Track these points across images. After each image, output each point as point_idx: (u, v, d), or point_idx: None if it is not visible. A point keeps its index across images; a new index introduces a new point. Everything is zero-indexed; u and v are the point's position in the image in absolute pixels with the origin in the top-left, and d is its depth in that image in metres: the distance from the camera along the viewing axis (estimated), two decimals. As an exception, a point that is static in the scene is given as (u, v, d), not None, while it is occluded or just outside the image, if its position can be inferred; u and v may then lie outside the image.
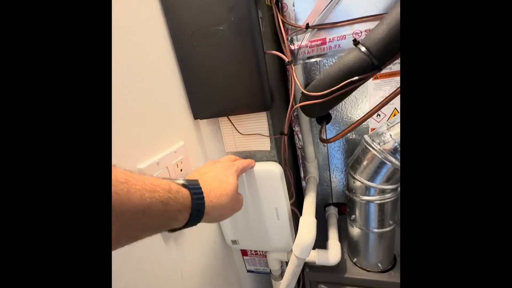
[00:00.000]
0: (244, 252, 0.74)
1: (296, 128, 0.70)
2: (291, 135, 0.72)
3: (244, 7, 0.41)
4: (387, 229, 0.55)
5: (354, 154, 0.55)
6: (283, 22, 0.55)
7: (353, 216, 0.58)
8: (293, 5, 0.58)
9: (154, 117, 0.45)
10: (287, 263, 0.61)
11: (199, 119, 0.56)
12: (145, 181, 0.24)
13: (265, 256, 0.69)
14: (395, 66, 0.58)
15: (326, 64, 0.63)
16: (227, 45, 0.45)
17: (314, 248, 0.60)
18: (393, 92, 0.44)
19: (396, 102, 0.61)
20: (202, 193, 0.31)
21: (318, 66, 0.63)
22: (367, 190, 0.53)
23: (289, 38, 0.59)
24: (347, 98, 0.64)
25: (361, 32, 0.55)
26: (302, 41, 0.59)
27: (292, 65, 0.48)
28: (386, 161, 0.48)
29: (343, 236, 0.69)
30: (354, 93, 0.63)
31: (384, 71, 0.59)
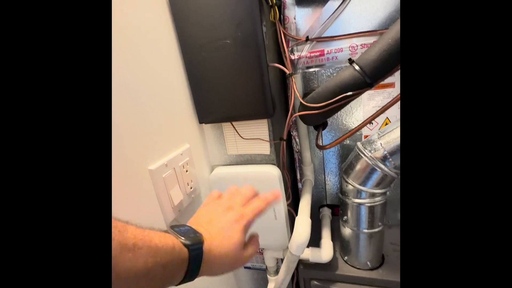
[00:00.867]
0: (241, 249, 0.77)
1: (294, 133, 0.74)
2: (289, 139, 0.76)
3: (250, 24, 0.44)
4: (376, 229, 0.59)
5: (347, 160, 0.59)
6: (285, 35, 0.58)
7: (345, 217, 0.62)
8: (294, 18, 0.62)
9: (162, 122, 0.48)
10: (282, 260, 0.64)
11: (203, 124, 0.60)
12: (152, 242, 0.25)
13: (262, 254, 0.73)
14: (388, 78, 0.62)
15: (324, 74, 0.67)
16: (232, 58, 0.48)
17: (308, 246, 0.65)
18: (385, 105, 0.49)
19: (388, 112, 0.65)
20: (201, 254, 0.29)
21: (316, 76, 0.67)
22: (358, 193, 0.57)
23: (290, 49, 0.63)
24: (342, 107, 0.68)
25: (357, 46, 0.59)
26: (302, 52, 0.63)
27: (292, 77, 0.52)
28: (376, 168, 0.52)
29: (336, 236, 0.73)
30: (349, 102, 0.67)
31: (377, 83, 0.63)
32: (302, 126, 0.70)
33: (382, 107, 0.46)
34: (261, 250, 0.74)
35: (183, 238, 0.28)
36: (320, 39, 0.60)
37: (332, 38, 0.60)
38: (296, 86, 0.64)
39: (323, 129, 0.70)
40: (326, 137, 0.73)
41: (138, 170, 0.42)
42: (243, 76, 0.49)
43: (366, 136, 0.70)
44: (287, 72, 0.51)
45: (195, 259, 0.29)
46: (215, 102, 0.54)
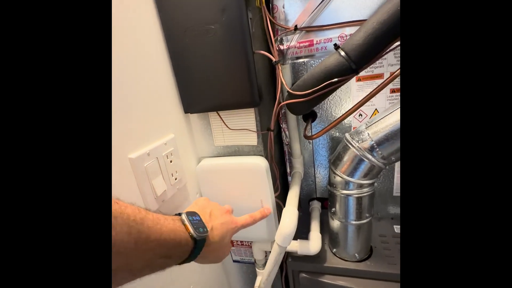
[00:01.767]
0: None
1: (284, 125, 0.73)
2: (279, 132, 0.75)
3: (234, 9, 0.43)
4: (364, 221, 0.59)
5: (335, 151, 0.59)
6: (272, 23, 0.57)
7: (334, 209, 0.62)
8: (283, 7, 0.61)
9: (145, 110, 0.46)
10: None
11: (189, 113, 0.58)
12: (161, 235, 0.27)
13: (251, 247, 0.72)
14: (377, 69, 0.61)
15: (314, 65, 0.66)
16: (218, 44, 0.47)
17: (296, 239, 0.64)
18: (371, 92, 0.48)
19: (377, 103, 0.64)
20: (203, 246, 0.33)
21: (305, 66, 0.66)
22: (346, 184, 0.56)
23: (279, 39, 0.62)
24: (332, 98, 0.68)
25: (346, 36, 0.58)
26: (291, 42, 0.62)
27: (279, 64, 0.51)
28: (364, 158, 0.52)
29: (325, 229, 0.73)
30: (338, 94, 0.66)
31: (366, 73, 0.63)
32: (292, 118, 0.69)
33: (369, 93, 0.46)
34: (250, 243, 0.73)
35: (193, 230, 0.32)
36: (309, 29, 0.59)
37: (321, 27, 0.59)
38: (285, 77, 0.63)
39: (313, 121, 0.70)
40: (316, 129, 0.72)
41: (118, 158, 0.40)
42: (229, 63, 0.48)
43: (355, 128, 0.69)
44: (273, 59, 0.50)
45: (197, 251, 0.32)
46: (200, 90, 0.52)
